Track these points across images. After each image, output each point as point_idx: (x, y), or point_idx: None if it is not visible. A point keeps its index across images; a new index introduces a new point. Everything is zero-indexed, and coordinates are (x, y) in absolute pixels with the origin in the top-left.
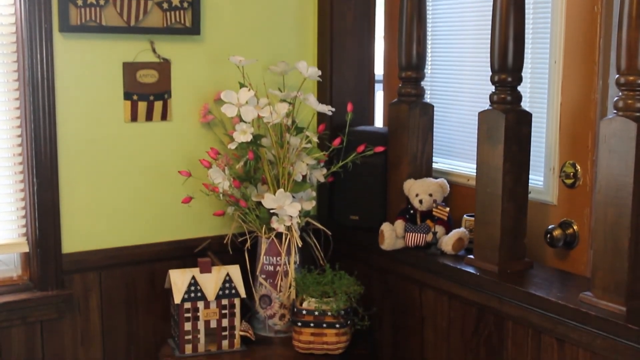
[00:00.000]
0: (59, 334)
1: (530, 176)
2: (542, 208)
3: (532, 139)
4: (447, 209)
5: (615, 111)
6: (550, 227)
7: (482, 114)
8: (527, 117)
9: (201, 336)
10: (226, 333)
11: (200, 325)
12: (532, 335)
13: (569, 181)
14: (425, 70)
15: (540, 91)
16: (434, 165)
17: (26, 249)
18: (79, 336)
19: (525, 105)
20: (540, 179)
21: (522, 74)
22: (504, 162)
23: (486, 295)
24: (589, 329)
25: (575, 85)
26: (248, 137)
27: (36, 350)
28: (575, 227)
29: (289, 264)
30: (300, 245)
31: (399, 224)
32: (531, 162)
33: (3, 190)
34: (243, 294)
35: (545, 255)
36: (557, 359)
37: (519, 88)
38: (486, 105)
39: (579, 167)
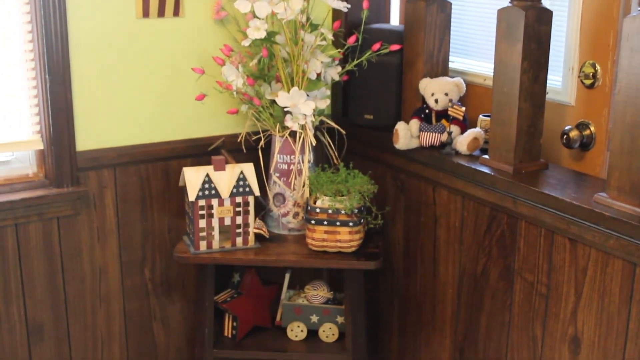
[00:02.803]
0: (75, 230)
1: (549, 76)
2: (560, 109)
3: (552, 37)
4: (463, 108)
5: (639, 8)
6: (566, 128)
7: (501, 11)
8: (547, 14)
9: (215, 233)
10: (240, 230)
11: (215, 223)
12: (545, 235)
13: (587, 81)
14: None
15: None
16: (451, 65)
17: (41, 146)
18: (95, 232)
19: (545, 2)
20: (559, 79)
21: None
22: (522, 61)
23: (500, 195)
24: (603, 229)
25: None
26: (262, 34)
27: (54, 245)
28: (592, 129)
29: (302, 162)
30: (314, 144)
31: (414, 123)
32: (550, 62)
33: (16, 87)
34: (257, 192)
35: (561, 156)
36: (569, 259)
37: None
38: (505, 2)
39: (598, 67)
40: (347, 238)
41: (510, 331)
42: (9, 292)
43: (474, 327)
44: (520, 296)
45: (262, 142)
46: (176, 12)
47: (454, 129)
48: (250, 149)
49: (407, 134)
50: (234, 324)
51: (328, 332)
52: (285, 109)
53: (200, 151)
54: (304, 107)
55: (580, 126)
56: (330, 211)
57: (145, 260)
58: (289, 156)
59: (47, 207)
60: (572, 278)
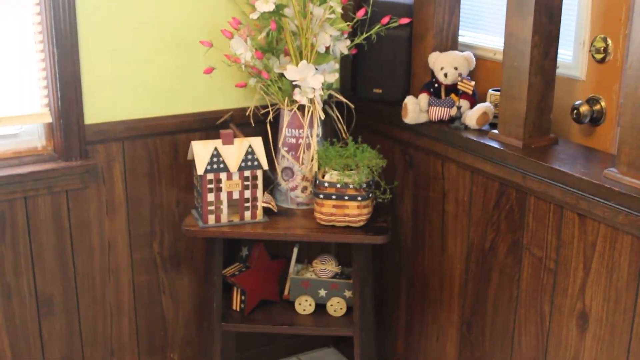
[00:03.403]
0: (84, 203)
1: (559, 50)
2: (570, 83)
3: (563, 11)
4: (472, 82)
5: None
6: (577, 102)
7: None
8: None
9: (224, 207)
10: (248, 204)
11: (223, 197)
12: (554, 210)
13: (599, 56)
14: None
15: None
16: (460, 39)
17: (49, 120)
18: (104, 206)
19: None
20: (570, 53)
21: None
22: (533, 35)
23: (509, 170)
24: (612, 204)
25: None
26: (270, 7)
27: (63, 218)
28: (602, 103)
29: (311, 136)
30: (322, 118)
31: (423, 97)
32: (561, 36)
33: (24, 60)
34: (265, 166)
35: (571, 131)
36: (578, 234)
37: None
38: None
39: (610, 42)
40: (355, 212)
41: (518, 306)
42: (19, 265)
43: (481, 302)
44: (529, 271)
45: (270, 116)
46: None
47: (463, 103)
48: (259, 122)
49: (416, 108)
50: (242, 297)
51: (336, 306)
52: (294, 83)
53: (209, 125)
54: (312, 80)
55: (591, 101)
56: (338, 185)
57: (153, 233)
58: (297, 130)
59: (55, 181)
60: (580, 253)
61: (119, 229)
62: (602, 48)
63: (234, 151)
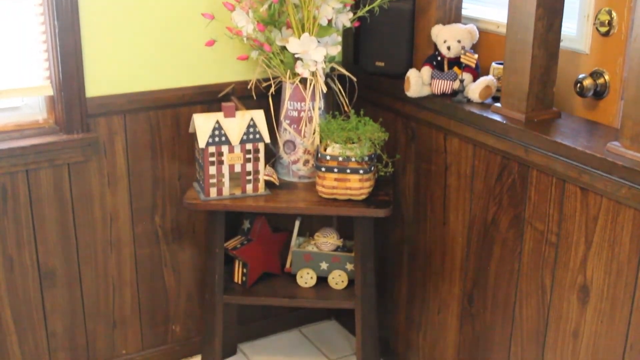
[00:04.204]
0: (86, 176)
1: (563, 23)
2: (574, 57)
3: None
4: (476, 56)
5: None
6: (580, 76)
7: None
8: None
9: (225, 180)
10: (250, 177)
11: (225, 170)
12: (556, 184)
13: (603, 29)
14: None
15: None
16: (464, 11)
17: (50, 92)
18: (106, 179)
19: None
20: (574, 26)
21: None
22: (537, 8)
23: (512, 144)
24: (615, 178)
25: None
26: None
27: (64, 191)
28: (606, 77)
29: (313, 109)
30: (324, 91)
31: (426, 70)
32: (565, 9)
33: (25, 33)
34: (267, 139)
35: (574, 105)
36: (580, 207)
37: None
38: None
39: (614, 14)
40: (357, 186)
41: (520, 280)
42: (21, 237)
43: (483, 276)
44: (530, 245)
45: (272, 89)
46: None
47: (466, 76)
48: (261, 95)
49: (418, 82)
50: (244, 270)
51: (337, 279)
52: (296, 56)
53: (210, 98)
54: (314, 53)
55: (595, 74)
56: (340, 159)
57: (155, 207)
58: (299, 103)
59: (57, 154)
60: (582, 227)
61: (120, 202)
62: (607, 21)
63: (235, 124)
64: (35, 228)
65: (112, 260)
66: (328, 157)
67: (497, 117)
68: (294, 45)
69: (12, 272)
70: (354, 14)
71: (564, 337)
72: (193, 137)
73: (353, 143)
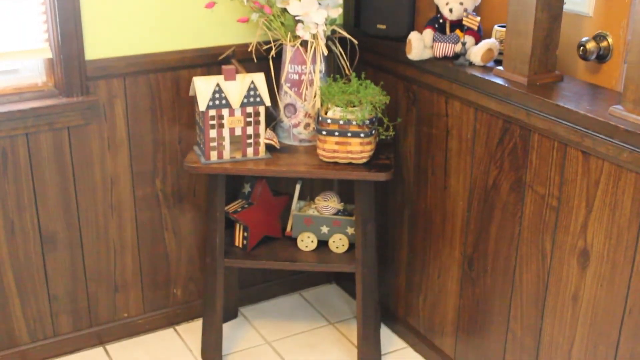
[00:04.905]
0: (86, 139)
1: None
2: (577, 19)
3: None
4: (478, 18)
5: None
6: (583, 39)
7: None
8: None
9: (226, 143)
10: (251, 141)
11: (225, 133)
12: (558, 147)
13: None
14: None
15: None
16: None
17: (49, 55)
18: (106, 142)
19: None
20: None
21: None
22: None
23: (513, 107)
24: (617, 142)
25: None
26: None
27: (65, 154)
28: (609, 40)
29: (314, 72)
30: (325, 54)
31: (428, 33)
32: None
33: None
34: (268, 102)
35: (577, 68)
36: (582, 171)
37: None
38: None
39: None
40: (358, 149)
41: (520, 244)
42: (22, 201)
43: (483, 240)
44: (531, 209)
45: (273, 52)
46: None
47: (468, 39)
48: (261, 58)
49: (420, 44)
50: (245, 234)
51: (338, 243)
52: (297, 18)
53: (211, 61)
54: (315, 15)
55: (598, 37)
56: (341, 122)
57: (156, 170)
58: (300, 66)
59: (57, 117)
60: (583, 191)
61: (121, 165)
62: None
63: (236, 87)
64: (36, 191)
65: (113, 224)
66: (329, 121)
67: (499, 81)
68: (295, 7)
69: (14, 235)
70: None
71: (563, 301)
72: (193, 100)
73: (354, 106)
